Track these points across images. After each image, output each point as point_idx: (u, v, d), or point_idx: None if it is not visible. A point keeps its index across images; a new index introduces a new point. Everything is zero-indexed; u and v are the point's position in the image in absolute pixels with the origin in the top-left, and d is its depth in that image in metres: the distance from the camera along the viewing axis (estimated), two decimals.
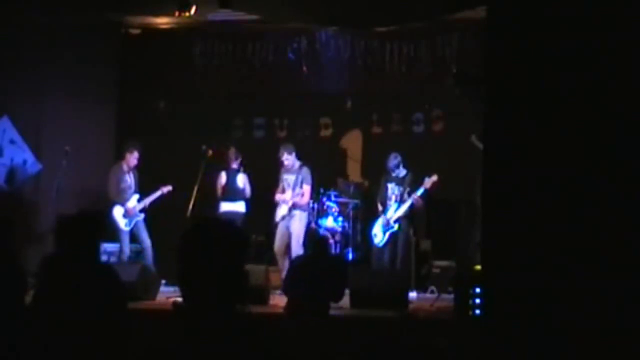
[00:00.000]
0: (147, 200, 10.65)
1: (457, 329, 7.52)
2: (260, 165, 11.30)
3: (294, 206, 10.51)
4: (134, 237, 10.61)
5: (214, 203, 10.96)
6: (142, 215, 10.60)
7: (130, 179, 10.64)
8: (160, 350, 2.33)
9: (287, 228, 10.48)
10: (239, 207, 10.94)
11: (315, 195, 11.23)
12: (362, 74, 12.13)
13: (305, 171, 10.58)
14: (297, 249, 10.25)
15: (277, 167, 10.86)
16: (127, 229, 10.50)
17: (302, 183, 10.51)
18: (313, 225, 10.94)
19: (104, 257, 9.70)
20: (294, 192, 10.49)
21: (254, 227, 11.00)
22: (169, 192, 10.74)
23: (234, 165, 11.03)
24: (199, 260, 2.35)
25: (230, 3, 9.74)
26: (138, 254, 10.61)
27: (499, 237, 3.88)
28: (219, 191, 10.99)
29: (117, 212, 10.47)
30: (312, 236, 8.32)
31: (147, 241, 10.50)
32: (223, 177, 10.99)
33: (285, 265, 10.05)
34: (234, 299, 2.34)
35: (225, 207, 10.93)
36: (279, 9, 10.23)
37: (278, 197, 10.66)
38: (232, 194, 10.97)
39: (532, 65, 3.79)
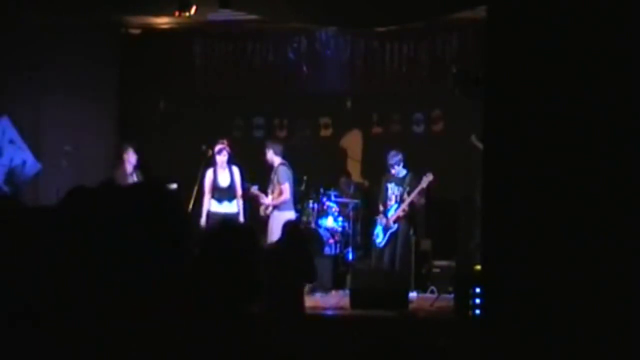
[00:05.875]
0: None
1: (457, 329, 7.52)
2: (260, 165, 11.30)
3: (272, 207, 10.34)
4: None
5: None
6: None
7: (133, 182, 10.63)
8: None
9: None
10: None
11: (315, 195, 11.22)
12: (362, 74, 12.13)
13: (281, 170, 10.34)
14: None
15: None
16: None
17: (277, 182, 10.31)
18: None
19: None
20: (272, 193, 10.38)
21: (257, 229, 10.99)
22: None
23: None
24: (211, 261, 2.35)
25: (230, 3, 9.73)
26: None
27: (499, 237, 3.88)
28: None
29: None
30: (285, 224, 8.20)
31: None
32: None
33: None
34: (241, 300, 2.33)
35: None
36: (279, 9, 10.21)
37: (261, 201, 10.51)
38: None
39: (532, 65, 3.79)
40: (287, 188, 10.27)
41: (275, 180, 10.38)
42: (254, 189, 10.53)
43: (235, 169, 10.54)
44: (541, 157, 3.75)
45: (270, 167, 10.56)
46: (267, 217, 10.37)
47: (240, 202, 10.55)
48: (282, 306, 7.29)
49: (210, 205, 10.45)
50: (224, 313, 2.31)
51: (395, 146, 10.91)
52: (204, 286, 2.32)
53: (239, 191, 10.53)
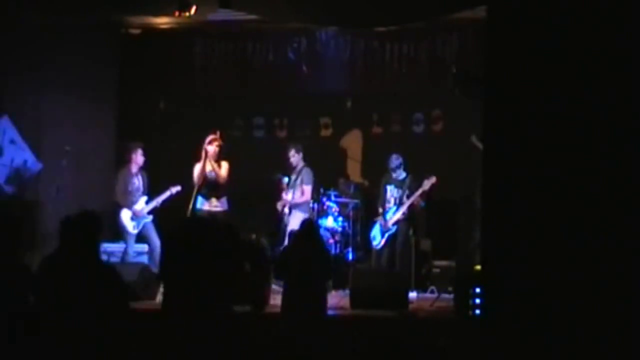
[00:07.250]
0: (157, 201, 10.55)
1: (457, 329, 7.53)
2: (260, 165, 11.30)
3: (292, 206, 10.60)
4: (142, 238, 10.53)
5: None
6: (150, 217, 10.48)
7: (138, 182, 10.60)
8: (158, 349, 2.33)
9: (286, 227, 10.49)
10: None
11: (315, 195, 11.25)
12: (362, 74, 12.13)
13: (305, 172, 10.63)
14: None
15: (276, 167, 10.88)
16: (135, 231, 10.40)
17: (301, 183, 10.56)
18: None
19: (104, 257, 9.66)
20: (293, 193, 10.55)
21: (255, 228, 11.02)
22: (177, 193, 10.62)
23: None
24: (188, 259, 2.33)
25: (230, 3, 9.73)
26: (140, 255, 10.58)
27: (499, 237, 3.88)
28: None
29: (125, 214, 10.41)
30: (303, 222, 8.31)
31: (155, 241, 10.22)
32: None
33: None
34: (224, 299, 2.32)
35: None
36: (279, 9, 10.21)
37: (283, 195, 10.76)
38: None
39: (532, 65, 3.79)
40: (309, 190, 10.61)
41: (298, 181, 10.61)
42: (284, 181, 10.64)
43: (224, 164, 10.41)
44: (541, 157, 3.75)
45: (292, 168, 10.74)
46: (283, 214, 10.66)
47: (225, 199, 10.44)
48: (303, 306, 7.28)
49: (197, 202, 10.31)
50: (223, 313, 2.31)
51: (395, 147, 10.93)
52: (204, 286, 2.33)
53: (223, 185, 10.36)
